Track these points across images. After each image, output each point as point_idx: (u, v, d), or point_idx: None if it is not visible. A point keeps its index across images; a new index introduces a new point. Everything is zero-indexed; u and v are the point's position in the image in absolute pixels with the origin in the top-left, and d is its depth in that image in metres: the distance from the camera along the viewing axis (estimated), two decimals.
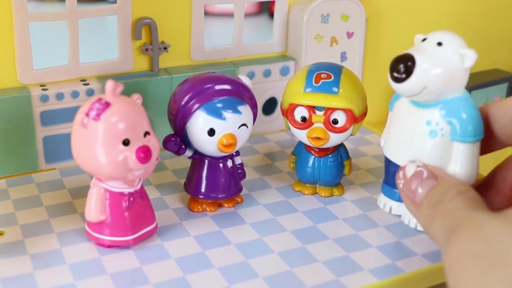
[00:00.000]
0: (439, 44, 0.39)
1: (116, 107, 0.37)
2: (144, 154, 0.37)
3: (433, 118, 0.40)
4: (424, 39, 0.40)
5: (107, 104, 0.37)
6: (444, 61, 0.38)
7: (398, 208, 0.45)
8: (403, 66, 0.38)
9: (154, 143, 0.38)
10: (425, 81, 0.38)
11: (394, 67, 0.39)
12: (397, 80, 0.39)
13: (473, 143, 0.40)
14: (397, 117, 0.42)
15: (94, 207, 0.39)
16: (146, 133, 0.38)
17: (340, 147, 0.48)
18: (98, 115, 0.36)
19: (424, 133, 0.40)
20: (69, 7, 0.48)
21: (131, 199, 0.40)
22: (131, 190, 0.40)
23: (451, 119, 0.39)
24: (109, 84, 0.37)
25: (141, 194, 0.40)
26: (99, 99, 0.37)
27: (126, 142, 0.37)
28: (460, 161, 0.40)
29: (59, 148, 0.50)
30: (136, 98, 0.39)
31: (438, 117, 0.40)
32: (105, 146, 0.36)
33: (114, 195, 0.39)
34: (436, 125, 0.40)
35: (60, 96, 0.49)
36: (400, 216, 0.45)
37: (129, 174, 0.38)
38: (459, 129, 0.39)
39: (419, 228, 0.43)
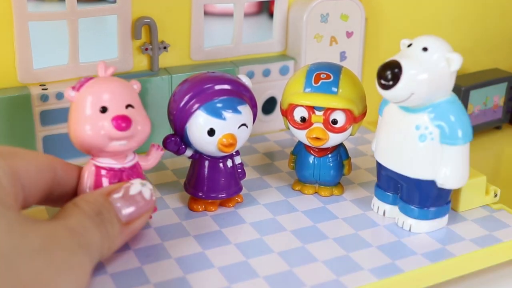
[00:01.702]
0: (425, 49, 0.39)
1: (98, 79, 0.39)
2: (122, 121, 0.37)
3: (422, 122, 0.40)
4: (409, 45, 0.40)
5: (90, 79, 0.38)
6: (430, 66, 0.39)
7: (391, 211, 0.45)
8: (390, 73, 0.39)
9: (138, 117, 0.39)
10: (412, 87, 0.38)
11: (381, 74, 0.39)
12: (385, 87, 0.39)
13: (463, 145, 0.40)
14: (386, 122, 0.43)
15: (84, 181, 0.39)
16: (129, 106, 0.38)
17: (340, 146, 0.48)
18: (80, 86, 0.38)
19: (414, 138, 0.40)
20: (69, 6, 0.48)
21: (118, 176, 0.40)
22: (119, 166, 0.40)
23: (440, 122, 0.40)
24: (101, 64, 0.39)
25: (131, 175, 0.40)
26: (85, 77, 0.39)
27: (103, 110, 0.38)
28: (451, 163, 0.40)
29: (59, 148, 0.50)
30: (134, 83, 0.40)
31: (427, 121, 0.40)
32: (86, 114, 0.37)
33: (101, 170, 0.39)
34: (425, 129, 0.40)
35: (60, 96, 0.49)
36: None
37: (110, 143, 0.38)
38: (448, 132, 0.40)
39: (413, 230, 0.43)
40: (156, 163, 0.43)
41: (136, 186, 0.38)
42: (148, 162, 0.42)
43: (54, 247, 0.32)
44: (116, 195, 0.38)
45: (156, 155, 0.43)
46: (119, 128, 0.37)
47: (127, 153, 0.40)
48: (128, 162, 0.40)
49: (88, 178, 0.39)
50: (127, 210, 0.38)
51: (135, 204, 0.38)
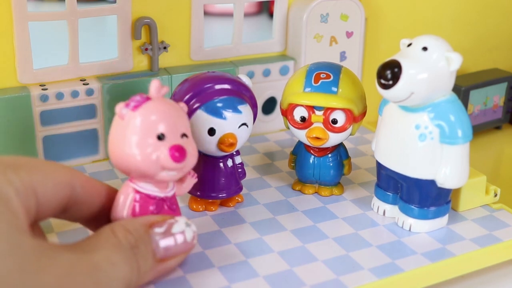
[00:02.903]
0: (424, 48, 0.39)
1: (156, 102, 0.36)
2: (178, 152, 0.35)
3: (422, 122, 0.40)
4: (409, 44, 0.40)
5: (148, 98, 0.36)
6: (430, 66, 0.39)
7: (391, 210, 0.45)
8: (390, 72, 0.39)
9: (190, 147, 0.37)
10: (412, 86, 0.39)
11: (381, 74, 0.39)
12: (384, 86, 0.39)
13: (463, 145, 0.40)
14: (386, 121, 0.43)
15: (121, 206, 0.37)
16: (184, 135, 0.37)
17: (340, 146, 0.48)
18: (136, 107, 0.36)
19: (413, 137, 0.40)
20: (69, 6, 0.48)
21: (159, 206, 0.38)
22: (161, 195, 0.37)
23: (440, 122, 0.40)
24: (155, 83, 0.36)
25: (171, 205, 0.38)
26: (141, 94, 0.36)
27: (160, 137, 0.36)
28: (451, 163, 0.40)
29: (59, 148, 0.50)
30: (182, 106, 0.39)
31: (426, 120, 0.40)
32: (139, 137, 0.35)
33: (142, 197, 0.37)
34: (425, 129, 0.40)
35: (60, 96, 0.49)
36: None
37: (160, 172, 0.36)
38: (448, 132, 0.40)
39: (413, 230, 0.43)
40: (188, 190, 0.41)
41: (180, 224, 0.37)
42: (182, 189, 0.40)
43: (70, 285, 0.30)
44: (158, 229, 0.36)
45: (190, 183, 0.41)
46: (175, 159, 0.35)
47: (170, 182, 0.38)
48: (170, 191, 0.38)
49: (127, 203, 0.37)
50: (165, 247, 0.36)
51: (175, 243, 0.36)
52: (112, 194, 0.38)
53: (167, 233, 0.36)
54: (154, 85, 0.37)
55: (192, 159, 0.37)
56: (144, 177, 0.36)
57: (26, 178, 0.33)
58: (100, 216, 0.38)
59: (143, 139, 0.35)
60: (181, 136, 0.37)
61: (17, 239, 0.30)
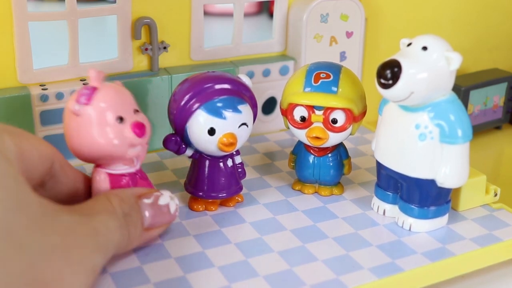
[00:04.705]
0: (424, 48, 0.39)
1: (103, 90, 0.38)
2: (139, 128, 0.38)
3: (422, 121, 0.40)
4: (409, 44, 0.40)
5: (95, 89, 0.38)
6: (430, 65, 0.39)
7: (391, 210, 0.45)
8: (389, 72, 0.39)
9: (145, 119, 0.40)
10: (412, 86, 0.39)
11: (380, 73, 0.39)
12: (384, 86, 0.39)
13: (463, 144, 0.40)
14: (386, 121, 0.43)
15: (100, 186, 0.39)
16: (136, 111, 0.39)
17: (340, 146, 0.48)
18: (88, 99, 0.37)
19: (413, 137, 0.41)
20: (69, 6, 0.48)
21: (134, 179, 0.40)
22: (132, 170, 0.40)
23: (440, 121, 0.40)
24: (93, 71, 0.38)
25: (141, 175, 0.41)
26: (86, 86, 0.38)
27: (120, 120, 0.38)
28: (451, 163, 0.41)
29: (59, 148, 0.50)
30: (118, 83, 0.40)
31: (426, 120, 0.40)
32: (101, 127, 0.37)
33: (117, 178, 0.40)
34: (425, 128, 0.40)
35: (60, 96, 0.49)
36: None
37: (128, 150, 0.38)
38: (448, 131, 0.40)
39: (413, 229, 0.43)
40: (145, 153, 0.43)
41: (165, 197, 0.40)
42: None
43: (73, 245, 0.32)
44: (146, 200, 0.39)
45: (145, 150, 0.42)
46: (139, 134, 0.38)
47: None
48: (137, 163, 0.41)
49: (104, 184, 0.39)
50: (152, 217, 0.39)
51: (160, 214, 0.39)
52: (87, 182, 0.41)
53: (154, 204, 0.39)
54: (94, 74, 0.38)
55: (149, 129, 0.40)
56: (113, 160, 0.39)
57: (18, 143, 0.35)
58: (73, 202, 0.39)
59: (105, 128, 0.37)
60: (134, 113, 0.39)
61: (25, 196, 0.31)
